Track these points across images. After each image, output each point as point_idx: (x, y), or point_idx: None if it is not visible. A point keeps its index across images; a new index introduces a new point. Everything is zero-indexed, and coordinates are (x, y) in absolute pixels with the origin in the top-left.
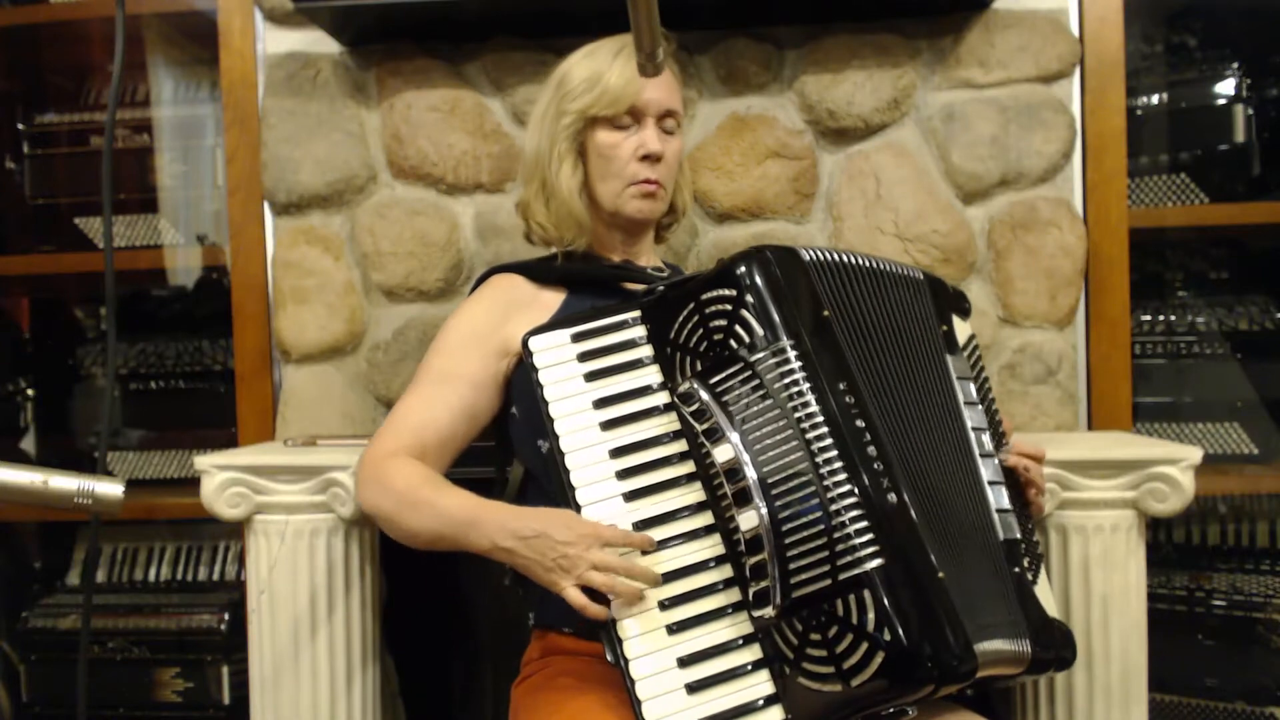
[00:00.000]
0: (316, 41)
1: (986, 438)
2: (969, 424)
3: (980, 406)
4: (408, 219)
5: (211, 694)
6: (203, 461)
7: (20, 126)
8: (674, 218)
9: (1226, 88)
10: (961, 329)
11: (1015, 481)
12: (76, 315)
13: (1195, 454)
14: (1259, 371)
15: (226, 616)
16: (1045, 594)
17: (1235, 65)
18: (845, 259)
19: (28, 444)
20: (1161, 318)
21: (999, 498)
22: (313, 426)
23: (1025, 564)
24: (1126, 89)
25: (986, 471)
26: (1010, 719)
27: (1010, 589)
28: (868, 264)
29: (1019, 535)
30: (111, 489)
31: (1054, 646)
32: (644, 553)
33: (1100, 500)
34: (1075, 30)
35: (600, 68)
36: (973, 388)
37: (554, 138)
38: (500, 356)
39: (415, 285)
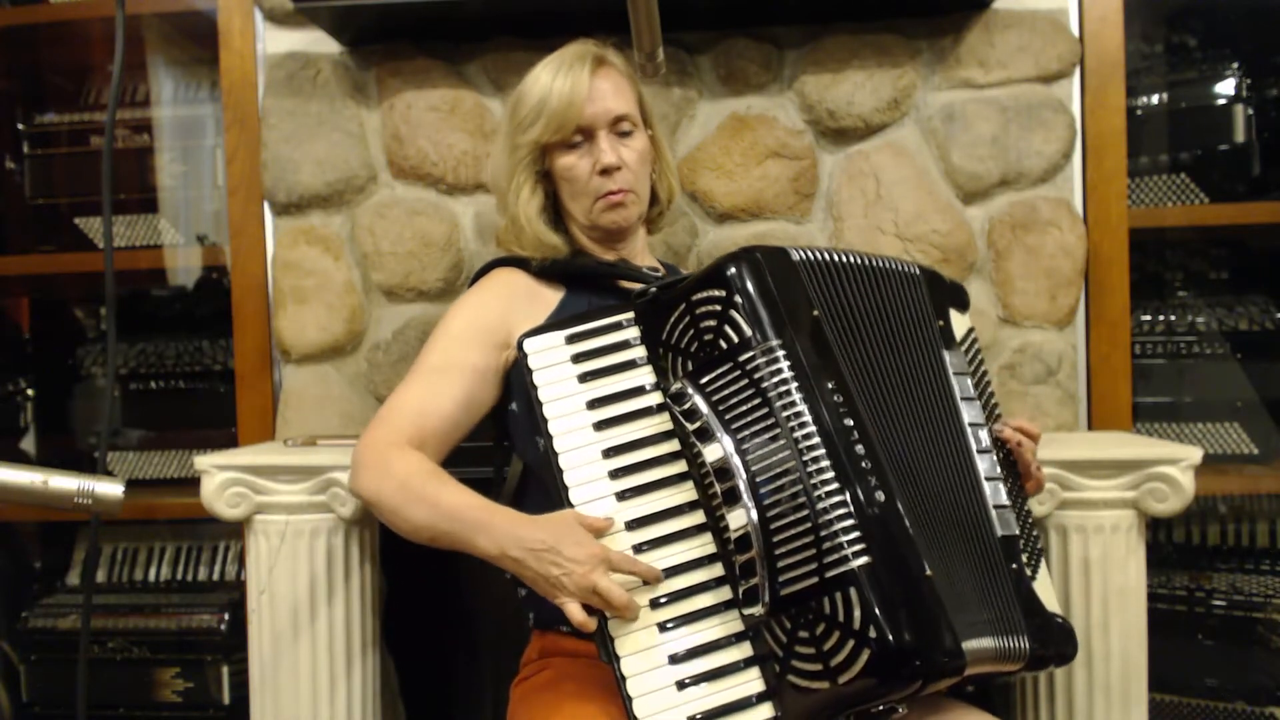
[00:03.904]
0: (316, 41)
1: (984, 433)
2: (966, 419)
3: (978, 402)
4: (408, 219)
5: (211, 694)
6: (203, 461)
7: (20, 126)
8: (660, 207)
9: (1226, 88)
10: (960, 322)
11: (1014, 467)
12: (76, 315)
13: (1195, 454)
14: (1259, 371)
15: (226, 616)
16: (1045, 589)
17: (1235, 65)
18: (835, 258)
19: (28, 444)
20: (1161, 318)
21: (996, 494)
22: (313, 426)
23: (1024, 559)
24: (1126, 89)
25: (984, 466)
26: (1010, 718)
27: (1008, 585)
28: (860, 261)
29: (1017, 531)
30: (111, 489)
31: (1053, 643)
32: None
33: (1100, 500)
34: (1075, 30)
35: (544, 93)
36: (969, 382)
37: (512, 170)
38: (503, 348)
39: (415, 285)
